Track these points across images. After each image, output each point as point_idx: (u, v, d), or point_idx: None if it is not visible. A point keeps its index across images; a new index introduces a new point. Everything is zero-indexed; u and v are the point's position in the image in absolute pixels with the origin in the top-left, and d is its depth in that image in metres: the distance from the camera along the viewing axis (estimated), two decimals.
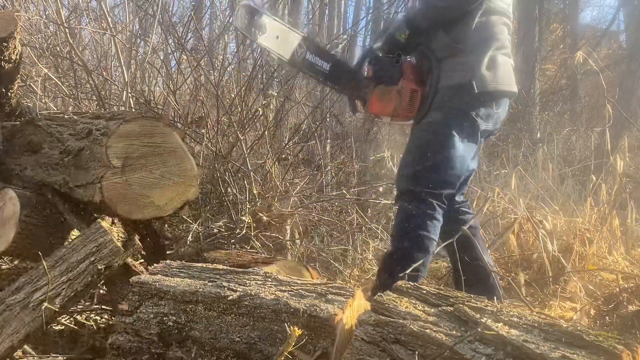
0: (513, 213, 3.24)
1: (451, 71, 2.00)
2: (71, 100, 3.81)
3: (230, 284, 1.39)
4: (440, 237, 2.15)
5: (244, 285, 1.39)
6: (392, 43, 2.09)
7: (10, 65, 2.28)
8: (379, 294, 1.24)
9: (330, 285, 1.37)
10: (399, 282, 1.29)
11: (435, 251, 2.02)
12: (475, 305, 1.14)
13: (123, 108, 3.46)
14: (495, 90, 1.97)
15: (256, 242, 2.86)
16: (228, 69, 4.64)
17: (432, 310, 1.16)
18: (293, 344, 1.09)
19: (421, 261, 1.91)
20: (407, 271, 1.66)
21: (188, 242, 2.77)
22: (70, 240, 1.68)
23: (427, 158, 1.99)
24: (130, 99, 3.44)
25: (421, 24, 2.04)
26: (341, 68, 2.24)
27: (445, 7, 2.01)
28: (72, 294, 1.52)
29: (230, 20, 5.65)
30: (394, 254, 2.01)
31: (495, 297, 1.96)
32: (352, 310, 1.29)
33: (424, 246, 1.95)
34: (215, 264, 1.64)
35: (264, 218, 3.04)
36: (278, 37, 2.09)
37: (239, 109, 3.61)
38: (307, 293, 1.32)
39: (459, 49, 1.98)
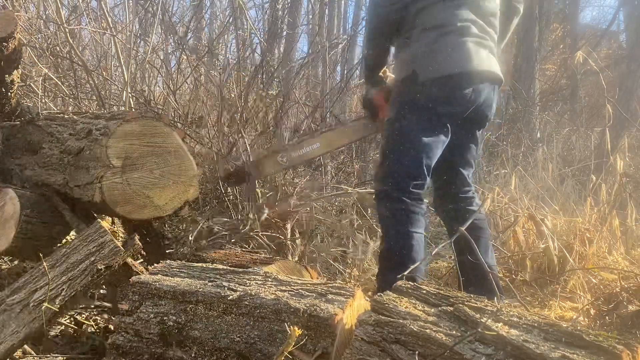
0: (514, 212, 3.24)
1: (399, 68, 2.05)
2: (71, 100, 3.81)
3: (231, 284, 1.39)
4: (448, 235, 2.18)
5: (244, 285, 1.39)
6: (366, 84, 2.29)
7: (10, 62, 2.28)
8: (378, 294, 1.24)
9: (330, 285, 1.37)
10: (399, 282, 1.29)
11: (435, 251, 2.03)
12: (475, 305, 1.14)
13: (123, 108, 3.46)
14: (447, 75, 1.90)
15: (262, 239, 2.86)
16: (228, 68, 4.64)
17: (432, 310, 1.16)
18: (293, 343, 1.09)
19: (412, 259, 1.90)
20: (406, 272, 1.66)
21: (188, 242, 2.77)
22: (70, 240, 1.68)
23: (388, 156, 2.02)
24: (130, 99, 3.44)
25: (368, 66, 2.21)
26: (341, 130, 2.60)
27: (370, 51, 2.14)
28: (72, 294, 1.52)
29: (230, 20, 5.65)
30: (381, 256, 2.04)
31: (495, 298, 1.97)
32: (352, 310, 1.29)
33: (405, 242, 1.94)
34: (215, 264, 1.64)
35: (264, 218, 3.04)
36: (261, 169, 2.54)
37: (239, 109, 3.61)
38: (307, 293, 1.32)
39: (405, 43, 2.01)
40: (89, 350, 1.76)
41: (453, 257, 2.25)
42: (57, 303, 1.49)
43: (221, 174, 2.65)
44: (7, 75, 2.32)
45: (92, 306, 2.05)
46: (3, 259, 2.45)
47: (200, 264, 1.59)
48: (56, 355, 1.66)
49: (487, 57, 1.98)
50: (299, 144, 2.59)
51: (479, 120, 2.09)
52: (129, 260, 1.68)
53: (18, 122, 2.40)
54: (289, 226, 3.05)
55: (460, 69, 1.91)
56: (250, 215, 2.95)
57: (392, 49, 2.18)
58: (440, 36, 1.92)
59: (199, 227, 2.77)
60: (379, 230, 2.09)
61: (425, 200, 2.04)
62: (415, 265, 1.84)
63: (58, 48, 3.87)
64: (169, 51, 4.96)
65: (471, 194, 2.21)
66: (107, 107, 3.64)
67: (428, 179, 2.02)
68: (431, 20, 1.94)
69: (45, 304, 1.47)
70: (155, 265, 1.58)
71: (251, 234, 2.87)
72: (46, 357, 1.64)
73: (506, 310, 1.13)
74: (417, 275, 1.91)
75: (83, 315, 2.00)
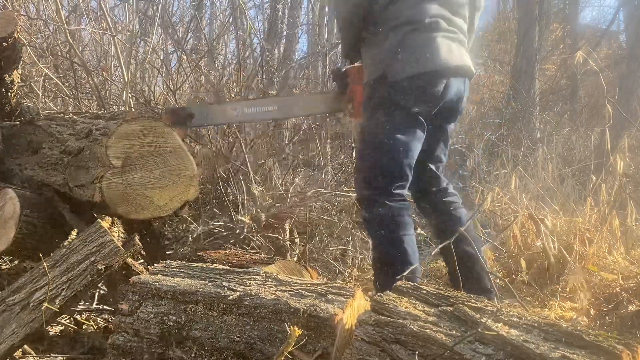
0: (513, 212, 3.24)
1: (369, 67, 2.01)
2: (71, 100, 3.81)
3: (231, 284, 1.39)
4: (434, 235, 2.17)
5: (244, 285, 1.39)
6: (343, 55, 2.25)
7: (10, 62, 2.28)
8: (378, 294, 1.24)
9: (330, 285, 1.37)
10: (399, 282, 1.28)
11: (435, 251, 2.02)
12: (475, 305, 1.14)
13: (123, 108, 3.46)
14: (417, 73, 1.88)
15: (261, 240, 2.86)
16: (228, 69, 4.64)
17: (432, 310, 1.16)
18: (293, 344, 1.09)
19: (409, 263, 1.87)
20: (405, 273, 1.64)
21: (188, 242, 2.77)
22: (70, 240, 1.68)
23: (367, 159, 1.99)
24: (130, 99, 3.44)
25: (344, 46, 2.16)
26: (302, 98, 2.53)
27: (344, 39, 2.12)
28: (72, 294, 1.52)
29: (230, 20, 5.65)
30: (375, 264, 2.01)
31: (488, 295, 1.95)
32: (352, 310, 1.29)
33: (397, 248, 1.91)
34: (215, 264, 1.64)
35: (263, 218, 3.04)
36: (207, 115, 2.31)
37: None
38: (307, 293, 1.32)
39: (373, 42, 1.98)
40: (89, 350, 1.76)
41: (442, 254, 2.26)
42: (57, 303, 1.49)
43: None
44: (7, 75, 2.32)
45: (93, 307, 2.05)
46: (3, 259, 2.45)
47: (200, 264, 1.59)
48: (56, 355, 1.66)
49: (457, 51, 1.96)
50: (255, 101, 2.45)
51: (450, 115, 2.08)
52: (129, 260, 1.68)
53: (18, 122, 2.40)
54: (287, 226, 3.05)
55: (431, 67, 1.89)
56: (245, 219, 2.94)
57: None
58: (409, 34, 1.90)
59: (198, 231, 2.78)
60: (368, 236, 2.04)
61: (408, 199, 2.03)
62: (413, 266, 1.83)
63: (58, 48, 3.87)
64: (169, 51, 4.96)
65: (444, 186, 2.18)
66: (107, 107, 3.63)
67: (410, 178, 2.00)
68: (399, 16, 1.91)
69: (45, 304, 1.47)
70: (155, 265, 1.58)
71: (248, 235, 2.87)
72: (46, 357, 1.64)
73: (506, 310, 1.13)
74: (415, 276, 1.89)
75: (83, 316, 2.01)
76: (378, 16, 1.94)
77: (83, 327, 1.92)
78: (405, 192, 2.00)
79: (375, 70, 1.96)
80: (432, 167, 2.14)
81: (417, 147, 1.98)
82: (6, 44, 2.16)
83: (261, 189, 3.28)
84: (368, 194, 1.97)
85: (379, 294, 1.23)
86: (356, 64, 2.26)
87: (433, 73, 1.90)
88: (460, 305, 1.13)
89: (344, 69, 2.27)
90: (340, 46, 2.29)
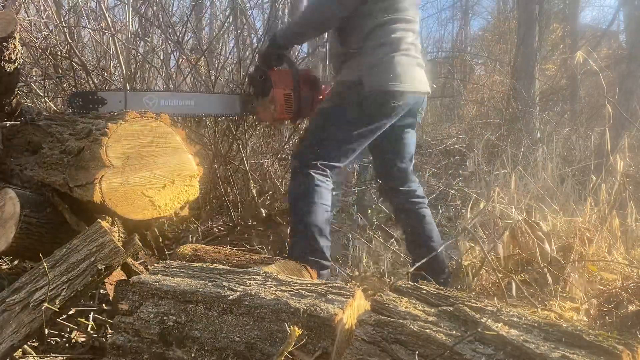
0: (511, 214, 3.23)
1: (346, 70, 2.23)
2: None
3: (231, 284, 1.39)
4: (400, 230, 2.57)
5: (244, 285, 1.39)
6: (261, 58, 2.40)
7: (11, 65, 2.27)
8: (378, 294, 1.24)
9: (330, 285, 1.37)
10: (399, 282, 1.29)
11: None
12: (475, 305, 1.14)
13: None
14: (388, 91, 2.12)
15: (255, 241, 2.86)
16: (228, 68, 4.64)
17: (432, 310, 1.16)
18: (293, 344, 1.09)
19: (318, 228, 2.12)
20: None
21: (189, 242, 2.77)
22: (70, 240, 1.68)
23: (312, 139, 2.21)
24: None
25: (280, 42, 2.29)
26: (220, 96, 2.59)
27: (299, 33, 2.28)
28: (72, 294, 1.52)
29: (230, 20, 5.65)
30: (290, 227, 2.26)
31: (444, 276, 2.34)
32: (352, 310, 1.29)
33: (310, 211, 2.13)
34: (215, 264, 1.64)
35: (263, 217, 3.04)
36: (120, 102, 2.30)
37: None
38: (307, 293, 1.32)
39: (353, 54, 2.18)
40: (89, 350, 1.76)
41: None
42: (57, 303, 1.49)
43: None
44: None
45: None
46: (3, 259, 2.45)
47: (200, 264, 1.59)
48: (56, 355, 1.66)
49: (423, 76, 2.27)
50: (173, 93, 2.47)
51: (411, 123, 2.36)
52: (129, 260, 1.68)
53: (18, 122, 2.40)
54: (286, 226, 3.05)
55: (403, 87, 2.15)
56: (241, 222, 2.95)
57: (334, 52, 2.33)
58: (389, 54, 2.14)
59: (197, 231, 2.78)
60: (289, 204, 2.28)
61: (331, 178, 2.25)
62: (326, 243, 2.14)
63: (57, 48, 3.86)
64: (169, 51, 4.96)
65: (414, 186, 2.45)
66: None
67: (340, 165, 2.24)
68: (383, 37, 2.15)
69: (45, 304, 1.47)
70: (155, 265, 1.58)
71: (246, 235, 2.87)
72: (46, 357, 1.64)
73: (506, 310, 1.13)
74: (325, 247, 2.14)
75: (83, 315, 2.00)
76: (362, 35, 2.16)
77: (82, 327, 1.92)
78: (329, 170, 2.21)
79: (352, 75, 2.18)
80: (401, 166, 2.41)
81: (360, 147, 2.23)
82: (6, 44, 2.16)
83: (259, 187, 3.28)
84: (298, 165, 2.19)
85: (379, 293, 1.24)
86: (275, 69, 2.37)
87: (404, 92, 2.16)
88: (461, 305, 1.13)
89: (263, 74, 2.35)
90: (270, 41, 2.31)
